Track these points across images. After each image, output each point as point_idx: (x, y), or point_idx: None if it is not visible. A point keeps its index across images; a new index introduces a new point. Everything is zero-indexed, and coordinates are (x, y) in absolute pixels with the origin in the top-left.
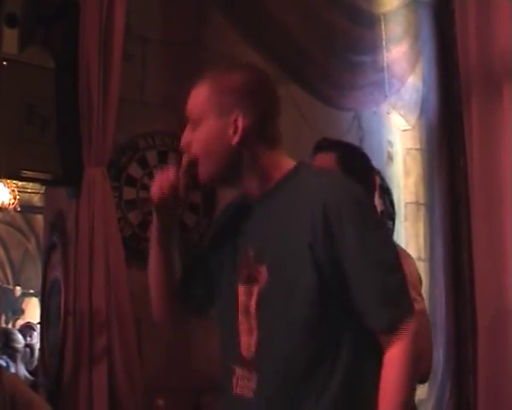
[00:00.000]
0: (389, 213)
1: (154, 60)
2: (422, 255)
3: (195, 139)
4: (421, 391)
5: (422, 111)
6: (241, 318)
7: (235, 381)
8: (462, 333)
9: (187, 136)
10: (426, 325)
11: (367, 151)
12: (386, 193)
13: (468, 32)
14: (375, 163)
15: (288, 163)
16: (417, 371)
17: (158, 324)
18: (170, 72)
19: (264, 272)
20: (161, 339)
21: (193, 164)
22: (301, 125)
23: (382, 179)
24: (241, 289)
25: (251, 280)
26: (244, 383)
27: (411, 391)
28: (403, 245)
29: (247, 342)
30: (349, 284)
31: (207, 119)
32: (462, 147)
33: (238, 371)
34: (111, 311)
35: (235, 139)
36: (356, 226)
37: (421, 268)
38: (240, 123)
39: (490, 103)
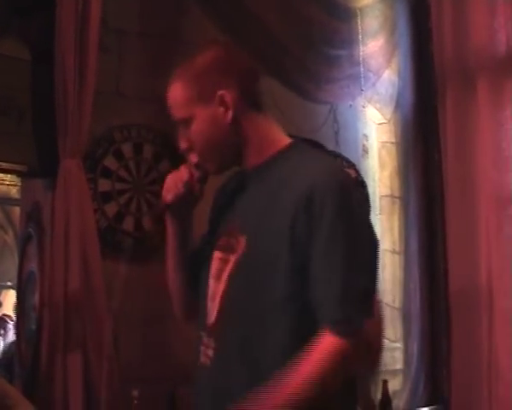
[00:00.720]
0: None
1: (130, 52)
2: (397, 248)
3: (194, 137)
4: (396, 383)
5: (398, 105)
6: (210, 282)
7: (202, 349)
8: (436, 326)
9: (183, 140)
10: (378, 315)
11: (342, 144)
12: (362, 186)
13: (443, 26)
14: (351, 156)
15: (282, 138)
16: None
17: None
18: (146, 64)
19: (242, 243)
20: (137, 330)
21: (202, 162)
22: (277, 117)
23: (357, 172)
24: (218, 254)
25: (229, 248)
26: (206, 351)
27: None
28: (378, 238)
29: (211, 308)
30: (312, 273)
31: (195, 114)
32: (437, 141)
33: (204, 339)
34: (86, 302)
35: (229, 116)
36: (334, 221)
37: (396, 261)
38: (226, 99)
39: (465, 98)
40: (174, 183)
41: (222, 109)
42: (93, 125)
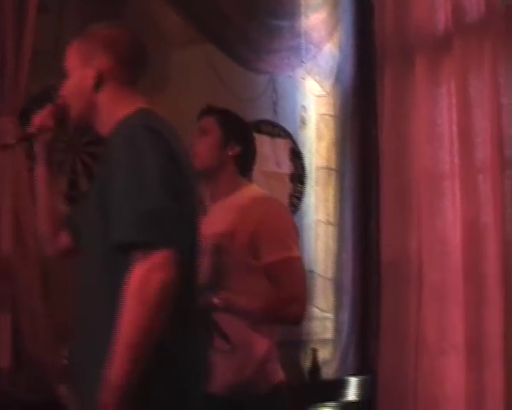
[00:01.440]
0: (299, 177)
1: (71, 13)
2: (332, 219)
3: (65, 87)
4: (326, 352)
5: (337, 78)
6: None
7: None
8: (367, 298)
9: (62, 86)
10: (300, 270)
11: (280, 114)
12: (298, 157)
13: (385, 3)
14: (289, 127)
15: (128, 109)
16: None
17: (52, 256)
18: (86, 26)
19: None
20: (69, 289)
21: (63, 106)
22: (217, 85)
23: (294, 143)
24: None
25: None
26: None
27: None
28: (312, 209)
29: None
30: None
31: (73, 69)
32: (374, 115)
33: None
34: (17, 262)
35: (93, 80)
36: (126, 156)
37: (330, 232)
38: (98, 65)
39: (403, 74)
40: (37, 117)
41: (91, 73)
42: (30, 84)
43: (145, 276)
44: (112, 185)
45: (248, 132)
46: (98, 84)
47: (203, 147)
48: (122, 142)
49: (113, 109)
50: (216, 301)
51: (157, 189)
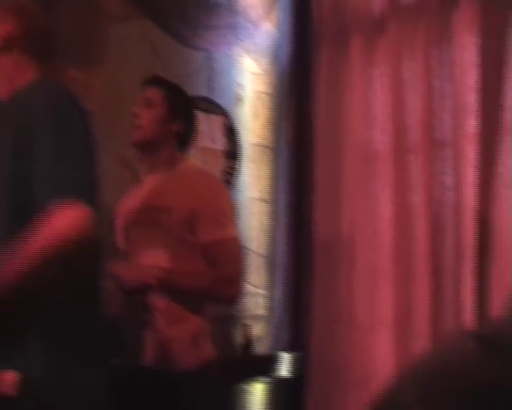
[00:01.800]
0: (234, 153)
1: None
2: (266, 197)
3: None
4: (258, 329)
5: (274, 57)
6: None
7: None
8: (300, 275)
9: None
10: (237, 250)
11: (216, 91)
12: (233, 133)
13: None
14: (224, 104)
15: (29, 77)
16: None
17: None
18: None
19: None
20: None
21: None
22: (154, 61)
23: (230, 120)
24: None
25: None
26: None
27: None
28: (246, 186)
29: None
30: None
31: None
32: (310, 95)
33: None
34: None
35: None
36: (54, 123)
37: (264, 209)
38: (6, 31)
39: (338, 54)
40: None
41: None
42: None
43: (66, 225)
44: (40, 151)
45: (192, 110)
46: (2, 47)
47: (146, 119)
48: (48, 109)
49: (13, 75)
50: (150, 279)
51: (83, 153)
